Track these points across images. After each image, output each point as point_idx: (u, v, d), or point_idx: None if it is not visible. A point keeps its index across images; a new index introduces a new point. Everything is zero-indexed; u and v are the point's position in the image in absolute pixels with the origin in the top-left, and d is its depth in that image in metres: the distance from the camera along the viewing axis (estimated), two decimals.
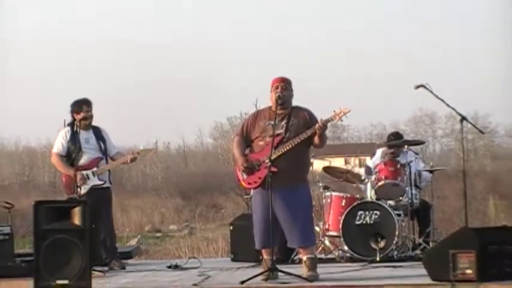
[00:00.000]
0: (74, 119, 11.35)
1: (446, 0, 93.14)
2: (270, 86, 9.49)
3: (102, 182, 11.28)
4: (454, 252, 8.39)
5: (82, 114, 11.32)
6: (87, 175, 11.17)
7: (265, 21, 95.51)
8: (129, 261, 12.50)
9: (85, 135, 11.35)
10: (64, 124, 11.38)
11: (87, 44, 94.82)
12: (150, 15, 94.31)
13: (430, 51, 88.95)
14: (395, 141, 12.40)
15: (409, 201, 11.66)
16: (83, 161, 11.26)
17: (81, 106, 11.35)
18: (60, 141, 11.35)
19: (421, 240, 11.56)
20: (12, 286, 10.00)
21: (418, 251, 11.19)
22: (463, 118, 10.96)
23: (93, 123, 11.48)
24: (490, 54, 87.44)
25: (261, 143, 9.43)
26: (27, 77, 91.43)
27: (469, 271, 8.34)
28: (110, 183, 11.55)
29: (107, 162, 11.46)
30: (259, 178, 9.37)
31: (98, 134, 11.45)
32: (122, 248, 12.69)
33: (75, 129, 11.32)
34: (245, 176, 9.52)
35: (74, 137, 11.29)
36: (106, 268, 10.88)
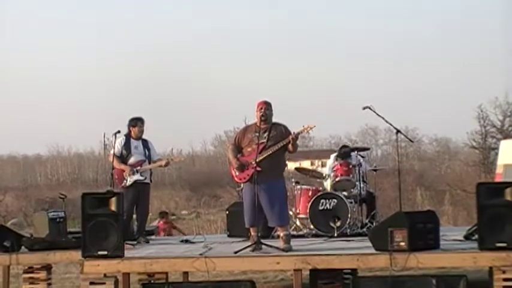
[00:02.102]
0: (130, 131, 11.45)
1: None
2: (256, 107, 9.49)
3: (143, 178, 11.33)
4: (391, 229, 8.39)
5: (137, 129, 11.43)
6: (133, 169, 11.23)
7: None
8: (152, 237, 12.48)
9: (135, 143, 11.43)
10: (103, 136, 11.48)
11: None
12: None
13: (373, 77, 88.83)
14: (347, 148, 12.49)
15: (358, 192, 11.66)
16: (130, 161, 11.32)
17: (136, 122, 11.46)
18: (117, 146, 11.41)
19: (367, 221, 11.55)
20: (66, 255, 9.96)
21: (365, 229, 11.17)
22: (398, 131, 11.01)
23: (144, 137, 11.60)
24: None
25: (249, 149, 9.43)
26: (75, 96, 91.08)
27: (402, 243, 8.35)
28: (150, 181, 11.61)
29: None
30: (248, 175, 9.36)
31: (145, 144, 11.52)
32: (146, 227, 12.65)
33: (129, 138, 11.43)
34: (237, 173, 9.51)
35: (127, 144, 11.38)
36: (135, 242, 10.86)
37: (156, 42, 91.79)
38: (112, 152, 11.48)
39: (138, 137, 11.47)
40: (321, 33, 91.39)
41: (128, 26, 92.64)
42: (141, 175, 11.31)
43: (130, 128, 11.46)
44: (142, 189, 11.32)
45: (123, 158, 11.35)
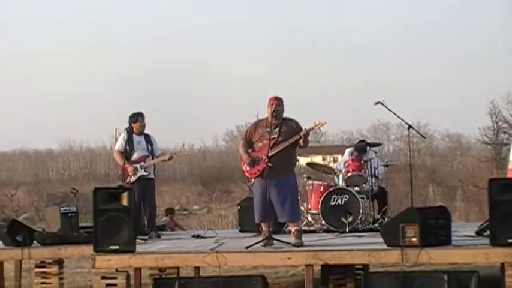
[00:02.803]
0: (131, 127, 11.44)
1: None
2: (267, 103, 9.48)
3: (147, 173, 11.32)
4: (403, 225, 8.38)
5: (138, 124, 11.42)
6: (136, 167, 11.23)
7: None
8: (163, 232, 12.51)
9: (138, 139, 11.43)
10: (115, 131, 11.50)
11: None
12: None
13: (386, 72, 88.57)
14: (362, 143, 12.48)
15: (370, 187, 11.65)
16: (134, 157, 11.33)
17: (137, 118, 11.45)
18: (120, 142, 11.49)
19: (378, 216, 11.55)
20: (78, 250, 10.00)
21: (376, 225, 11.15)
22: (410, 126, 11.04)
23: (146, 131, 11.57)
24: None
25: (260, 144, 9.43)
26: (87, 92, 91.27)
27: (414, 239, 8.34)
28: (155, 176, 11.60)
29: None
30: (259, 170, 9.35)
31: (148, 139, 11.52)
32: (158, 222, 12.68)
33: (131, 134, 11.43)
34: (248, 169, 9.51)
35: (130, 140, 11.39)
36: (146, 237, 10.86)
37: (168, 37, 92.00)
38: (115, 148, 11.56)
39: (140, 132, 11.46)
40: (322, 32, 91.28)
41: (142, 16, 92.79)
42: (145, 170, 11.32)
43: (132, 124, 11.46)
44: (147, 185, 11.32)
45: (126, 154, 11.37)
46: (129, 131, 11.45)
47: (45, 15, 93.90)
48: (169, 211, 17.83)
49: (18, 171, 63.40)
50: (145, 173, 11.31)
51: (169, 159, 11.66)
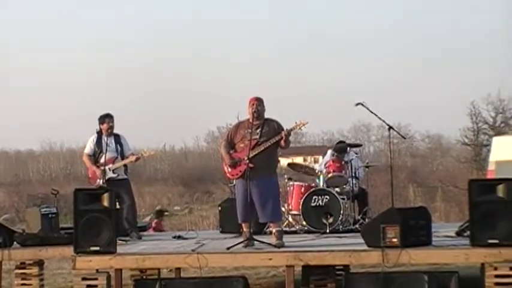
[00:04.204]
0: (100, 128, 11.36)
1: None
2: (248, 103, 9.48)
3: (115, 175, 11.21)
4: (383, 226, 8.40)
5: (105, 125, 11.30)
6: (104, 170, 11.14)
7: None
8: (144, 233, 12.46)
9: (107, 140, 11.28)
10: (96, 131, 11.42)
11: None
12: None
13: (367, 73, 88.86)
14: (342, 144, 12.50)
15: (351, 188, 11.66)
16: (103, 159, 11.21)
17: (105, 119, 11.33)
18: (89, 145, 11.39)
19: (359, 217, 11.56)
20: (58, 251, 9.95)
21: (357, 225, 11.17)
22: (390, 127, 11.05)
23: (116, 131, 11.44)
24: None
25: (242, 145, 9.42)
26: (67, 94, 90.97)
27: (394, 239, 8.36)
28: (126, 175, 11.48)
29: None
30: (240, 171, 9.35)
31: (118, 139, 11.41)
32: (139, 223, 12.63)
33: (100, 135, 11.33)
34: (230, 170, 9.50)
35: (99, 142, 11.29)
36: (127, 238, 10.82)
37: (152, 38, 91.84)
38: (85, 151, 11.48)
39: (109, 133, 11.36)
40: (319, 32, 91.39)
41: (123, 24, 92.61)
42: (114, 172, 11.24)
43: (100, 126, 11.36)
44: (119, 186, 11.06)
45: (95, 157, 11.31)
46: (98, 133, 11.36)
47: (46, 14, 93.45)
48: (158, 213, 17.66)
49: None
50: (113, 175, 11.19)
51: (136, 161, 11.49)
